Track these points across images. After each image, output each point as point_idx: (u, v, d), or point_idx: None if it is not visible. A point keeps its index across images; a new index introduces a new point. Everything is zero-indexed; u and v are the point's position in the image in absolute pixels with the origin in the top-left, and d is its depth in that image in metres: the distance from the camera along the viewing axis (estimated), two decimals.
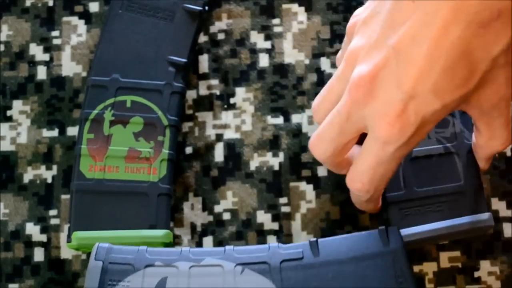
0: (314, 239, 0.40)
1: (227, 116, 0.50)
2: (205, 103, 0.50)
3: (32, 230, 0.48)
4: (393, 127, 0.35)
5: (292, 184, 0.48)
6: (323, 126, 0.39)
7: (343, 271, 0.38)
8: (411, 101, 0.35)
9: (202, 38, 0.51)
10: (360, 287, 0.38)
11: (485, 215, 0.43)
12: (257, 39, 0.51)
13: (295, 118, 0.49)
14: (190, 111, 0.50)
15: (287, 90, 0.50)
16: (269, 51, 0.51)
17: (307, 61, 0.50)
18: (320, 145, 0.40)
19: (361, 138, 0.39)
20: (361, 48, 0.37)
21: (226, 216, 0.48)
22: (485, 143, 0.41)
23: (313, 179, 0.48)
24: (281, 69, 0.50)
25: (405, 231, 0.42)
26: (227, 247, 0.40)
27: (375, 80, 0.35)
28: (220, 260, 0.39)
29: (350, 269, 0.38)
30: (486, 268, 0.46)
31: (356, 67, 0.37)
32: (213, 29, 0.51)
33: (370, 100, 0.36)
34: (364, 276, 0.38)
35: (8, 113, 0.50)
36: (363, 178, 0.38)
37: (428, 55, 0.34)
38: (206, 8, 0.50)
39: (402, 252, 0.39)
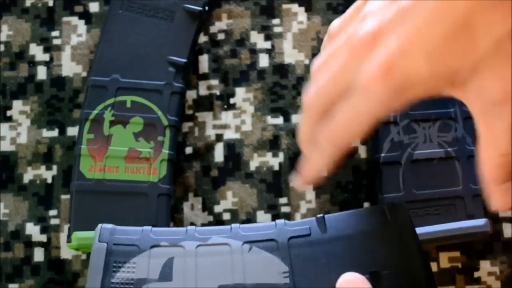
0: (321, 215, 0.39)
1: (227, 116, 0.50)
2: (205, 103, 0.50)
3: (32, 230, 0.48)
4: (375, 77, 0.35)
5: (292, 184, 0.48)
6: (321, 76, 0.38)
7: (351, 246, 0.38)
8: (401, 57, 0.34)
9: (202, 38, 0.51)
10: (369, 261, 0.37)
11: (482, 221, 0.43)
12: (257, 39, 0.51)
13: (295, 118, 0.49)
14: (190, 111, 0.50)
15: (287, 90, 0.50)
16: (269, 51, 0.51)
17: (307, 61, 0.50)
18: (315, 94, 0.38)
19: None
20: (373, 11, 0.37)
21: (226, 216, 0.48)
22: (485, 149, 0.40)
23: None
24: (281, 69, 0.50)
25: None
26: (233, 225, 0.39)
27: (379, 37, 0.35)
28: (227, 238, 0.38)
29: (358, 244, 0.38)
30: (486, 268, 0.46)
31: (365, 22, 0.37)
32: (213, 29, 0.51)
33: (368, 54, 0.36)
34: (372, 251, 0.37)
35: (8, 113, 0.50)
36: (337, 129, 0.37)
37: (430, 16, 0.33)
38: (206, 8, 0.50)
39: (409, 226, 0.38)
